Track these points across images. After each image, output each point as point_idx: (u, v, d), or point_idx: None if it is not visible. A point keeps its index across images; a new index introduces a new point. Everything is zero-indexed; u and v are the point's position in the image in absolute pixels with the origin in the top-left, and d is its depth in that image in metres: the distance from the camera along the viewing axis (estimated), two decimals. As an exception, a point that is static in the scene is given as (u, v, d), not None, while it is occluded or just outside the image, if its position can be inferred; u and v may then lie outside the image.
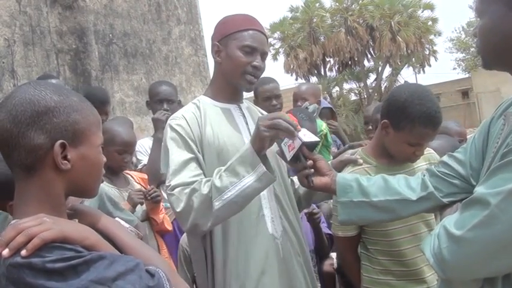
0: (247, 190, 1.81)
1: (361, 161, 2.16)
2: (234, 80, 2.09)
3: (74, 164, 1.21)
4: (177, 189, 1.90)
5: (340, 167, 2.19)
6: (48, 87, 1.21)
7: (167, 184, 1.96)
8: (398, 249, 2.10)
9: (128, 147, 3.02)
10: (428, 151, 2.29)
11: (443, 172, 1.74)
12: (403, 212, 1.83)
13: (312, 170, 1.91)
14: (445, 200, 1.72)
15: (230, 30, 2.09)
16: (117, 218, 2.37)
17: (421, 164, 2.19)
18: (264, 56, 2.11)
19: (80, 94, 1.30)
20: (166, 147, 2.04)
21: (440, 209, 1.73)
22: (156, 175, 3.30)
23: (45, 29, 5.26)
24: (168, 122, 2.10)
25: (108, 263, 1.11)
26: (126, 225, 2.35)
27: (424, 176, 1.81)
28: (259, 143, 1.82)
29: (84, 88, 4.62)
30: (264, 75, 2.21)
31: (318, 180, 1.91)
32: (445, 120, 3.53)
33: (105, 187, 2.70)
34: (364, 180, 1.87)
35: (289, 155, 1.91)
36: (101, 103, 3.83)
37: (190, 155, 1.98)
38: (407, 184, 1.82)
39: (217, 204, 1.82)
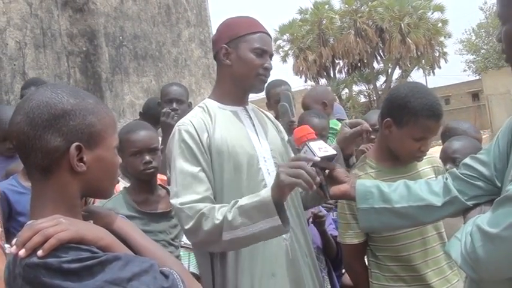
0: (258, 234, 1.83)
1: (366, 124, 2.12)
2: (248, 81, 2.10)
3: (90, 166, 1.22)
4: (186, 206, 1.91)
5: (347, 143, 2.15)
6: (65, 90, 1.22)
7: (173, 198, 1.96)
8: (408, 253, 2.08)
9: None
10: (431, 155, 2.28)
11: (466, 174, 1.71)
12: (427, 218, 1.80)
13: (319, 178, 1.85)
14: (470, 203, 1.68)
15: (239, 33, 2.10)
16: None
17: (424, 167, 2.18)
18: (271, 57, 2.14)
19: (90, 94, 1.32)
20: (173, 156, 2.04)
21: (463, 212, 1.70)
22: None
23: (56, 32, 5.30)
24: (176, 127, 2.10)
25: (123, 263, 1.13)
26: None
27: (446, 179, 1.77)
28: (279, 191, 1.78)
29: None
30: (273, 77, 2.22)
31: (336, 189, 1.88)
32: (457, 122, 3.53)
33: None
34: (385, 186, 1.84)
35: None
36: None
37: (198, 168, 1.97)
38: (430, 189, 1.78)
39: (227, 236, 1.83)
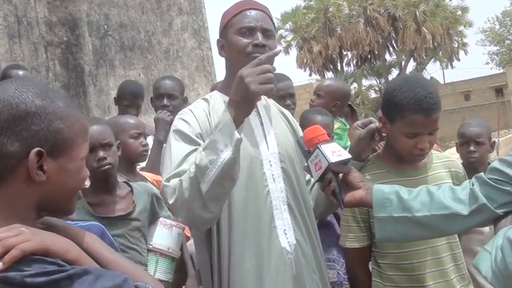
0: (225, 165, 1.80)
1: (377, 124, 2.13)
2: (241, 65, 2.08)
3: (50, 176, 1.19)
4: (172, 180, 1.90)
5: (363, 145, 2.14)
6: (32, 89, 1.19)
7: (165, 176, 1.96)
8: (410, 262, 2.09)
9: (140, 128, 3.03)
10: (449, 158, 2.29)
11: (494, 179, 1.71)
12: (452, 228, 1.80)
13: (333, 185, 1.86)
14: (500, 211, 1.68)
15: (226, 20, 2.12)
16: (161, 218, 2.45)
17: (439, 170, 2.18)
18: (266, 33, 2.08)
19: (68, 97, 1.29)
20: (168, 142, 2.05)
21: (493, 221, 1.70)
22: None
23: (32, 20, 5.29)
24: (176, 116, 2.11)
25: (94, 278, 1.10)
26: (174, 223, 2.44)
27: (472, 185, 1.77)
28: (247, 105, 1.84)
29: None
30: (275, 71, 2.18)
31: (350, 196, 1.87)
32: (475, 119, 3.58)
33: (152, 186, 2.76)
34: (405, 192, 1.83)
35: (315, 174, 1.88)
36: (132, 96, 3.93)
37: (192, 147, 1.97)
38: (454, 196, 1.78)
39: (203, 187, 1.81)
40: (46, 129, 1.17)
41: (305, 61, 28.83)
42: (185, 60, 7.03)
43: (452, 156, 2.65)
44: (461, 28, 29.74)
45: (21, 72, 3.91)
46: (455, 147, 3.43)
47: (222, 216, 1.98)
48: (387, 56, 30.56)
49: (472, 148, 3.18)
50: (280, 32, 29.51)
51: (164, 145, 3.43)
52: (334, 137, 3.57)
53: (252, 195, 1.99)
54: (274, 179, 2.06)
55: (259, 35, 2.05)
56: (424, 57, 29.54)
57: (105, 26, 6.01)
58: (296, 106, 3.81)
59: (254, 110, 2.15)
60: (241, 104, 1.84)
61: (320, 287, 2.12)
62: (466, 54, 30.66)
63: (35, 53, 5.26)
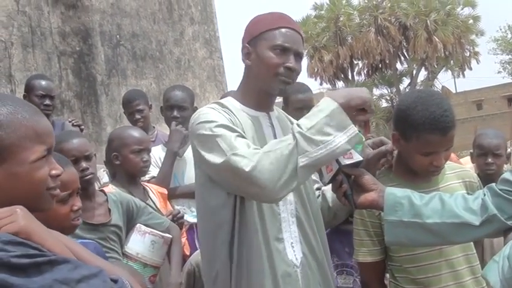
0: (337, 151, 1.82)
1: (387, 147, 2.13)
2: (267, 82, 2.06)
3: (0, 183, 1.26)
4: (244, 150, 1.86)
5: (370, 166, 2.11)
6: None
7: (223, 156, 1.88)
8: (425, 276, 2.06)
9: (143, 144, 3.04)
10: (463, 168, 2.27)
11: (505, 190, 1.72)
12: (461, 237, 1.82)
13: (344, 186, 1.89)
14: (510, 222, 1.70)
15: (260, 30, 2.08)
16: (138, 224, 2.58)
17: (452, 182, 2.16)
18: (298, 56, 2.07)
19: (15, 101, 1.32)
20: (203, 138, 1.96)
21: (503, 232, 1.72)
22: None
23: (46, 30, 5.34)
24: (198, 121, 2.01)
25: (72, 266, 1.20)
26: (148, 229, 2.55)
27: (484, 195, 1.79)
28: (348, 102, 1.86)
29: None
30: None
31: (362, 198, 1.90)
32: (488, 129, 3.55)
33: (127, 195, 2.83)
34: (416, 198, 1.85)
35: (327, 177, 1.91)
36: (128, 102, 4.16)
37: (238, 133, 1.94)
38: (466, 206, 1.80)
39: (303, 160, 1.81)
40: None
41: (316, 70, 28.83)
42: (196, 69, 7.06)
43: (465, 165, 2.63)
44: (472, 37, 29.63)
45: (43, 83, 3.97)
46: (468, 157, 3.41)
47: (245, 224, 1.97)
48: (398, 65, 30.51)
49: (490, 160, 3.17)
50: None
51: (178, 157, 3.46)
52: None
53: (267, 206, 1.98)
54: None
55: (293, 59, 2.04)
56: (436, 66, 29.45)
57: (117, 36, 6.05)
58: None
59: (267, 120, 2.15)
60: (346, 108, 1.86)
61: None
62: (477, 63, 30.49)
63: (48, 63, 5.31)
